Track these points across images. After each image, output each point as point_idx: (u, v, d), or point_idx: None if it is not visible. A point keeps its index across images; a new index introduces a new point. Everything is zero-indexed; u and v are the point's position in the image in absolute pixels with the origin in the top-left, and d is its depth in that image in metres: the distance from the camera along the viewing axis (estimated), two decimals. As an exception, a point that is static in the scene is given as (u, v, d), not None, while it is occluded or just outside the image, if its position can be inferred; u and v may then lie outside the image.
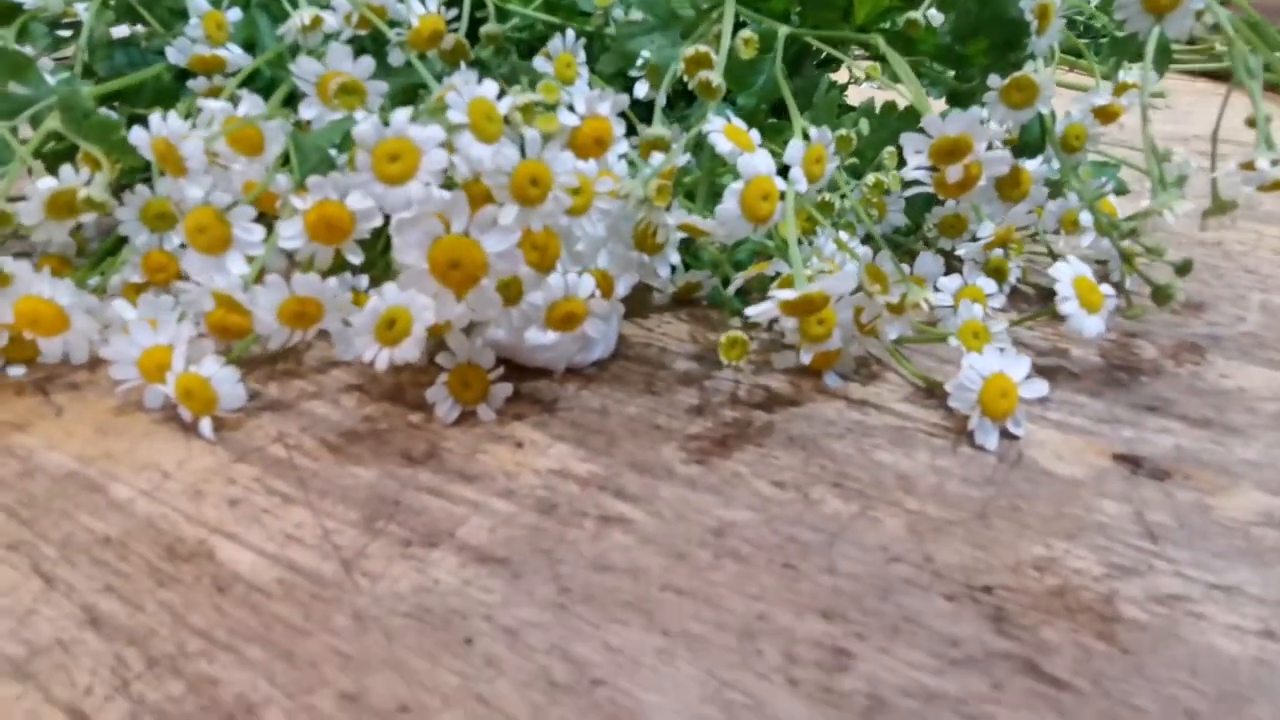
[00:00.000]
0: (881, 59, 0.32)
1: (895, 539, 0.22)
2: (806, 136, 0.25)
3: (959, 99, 0.33)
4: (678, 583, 0.20)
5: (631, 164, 0.27)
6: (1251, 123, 0.27)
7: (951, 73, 0.33)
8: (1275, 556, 0.21)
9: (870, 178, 0.29)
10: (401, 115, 0.21)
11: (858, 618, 0.20)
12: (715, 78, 0.24)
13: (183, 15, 0.33)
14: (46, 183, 0.24)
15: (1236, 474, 0.24)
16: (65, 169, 0.25)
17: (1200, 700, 0.18)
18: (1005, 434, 0.25)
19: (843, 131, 0.27)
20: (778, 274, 0.27)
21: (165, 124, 0.24)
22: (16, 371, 0.27)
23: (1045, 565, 0.21)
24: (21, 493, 0.23)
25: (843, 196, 0.29)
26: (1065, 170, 0.30)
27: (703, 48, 0.25)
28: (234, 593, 0.20)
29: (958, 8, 0.30)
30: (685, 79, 0.26)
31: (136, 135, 0.24)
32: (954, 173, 0.25)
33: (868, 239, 0.29)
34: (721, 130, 0.25)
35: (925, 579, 0.21)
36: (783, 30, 0.30)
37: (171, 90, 0.32)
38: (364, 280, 0.27)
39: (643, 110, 0.32)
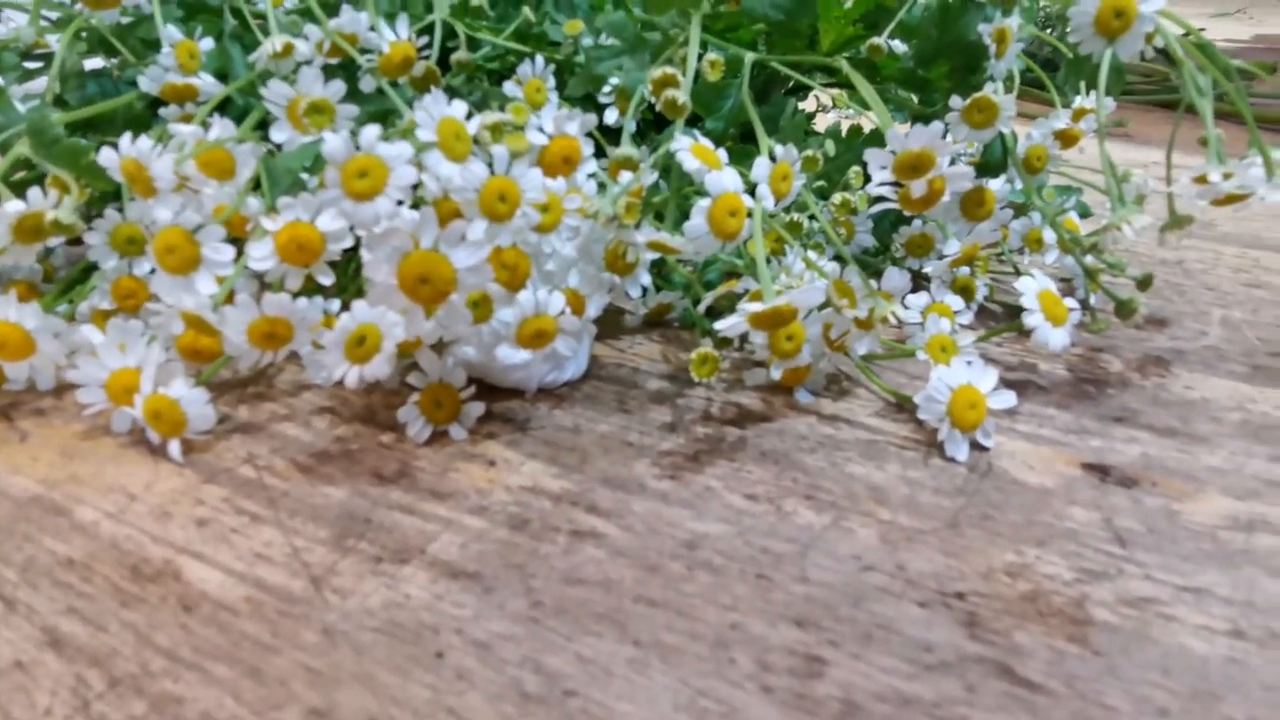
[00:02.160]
0: (846, 86, 0.33)
1: (868, 548, 0.22)
2: (773, 155, 0.26)
3: (923, 122, 0.33)
4: (650, 594, 0.20)
5: (600, 184, 0.27)
6: (1204, 141, 0.28)
7: (915, 97, 0.34)
8: (1243, 558, 0.22)
9: (837, 197, 0.29)
10: (370, 132, 0.21)
11: (831, 625, 0.20)
12: (681, 95, 0.24)
13: (155, 46, 0.34)
14: (14, 205, 0.24)
15: (1202, 480, 0.24)
16: (33, 192, 0.25)
17: (1172, 699, 0.18)
18: (975, 445, 0.26)
19: (809, 152, 0.27)
20: (747, 291, 0.27)
21: (134, 145, 0.24)
22: (-20, 398, 0.27)
23: (1017, 571, 0.21)
24: (-17, 517, 0.22)
25: (811, 218, 0.29)
26: (1028, 188, 0.31)
27: (669, 69, 0.25)
28: (201, 612, 0.20)
29: (919, 34, 0.31)
30: (653, 101, 0.27)
31: (106, 156, 0.24)
32: (918, 187, 0.26)
33: (836, 257, 0.29)
34: (688, 149, 0.25)
35: (898, 587, 0.21)
36: (749, 56, 0.30)
37: (143, 118, 0.32)
38: (335, 304, 0.27)
39: (611, 136, 0.32)
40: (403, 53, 0.29)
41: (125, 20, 0.33)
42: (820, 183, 0.33)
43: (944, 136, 0.25)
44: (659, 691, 0.18)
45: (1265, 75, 0.33)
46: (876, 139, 0.30)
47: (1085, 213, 0.36)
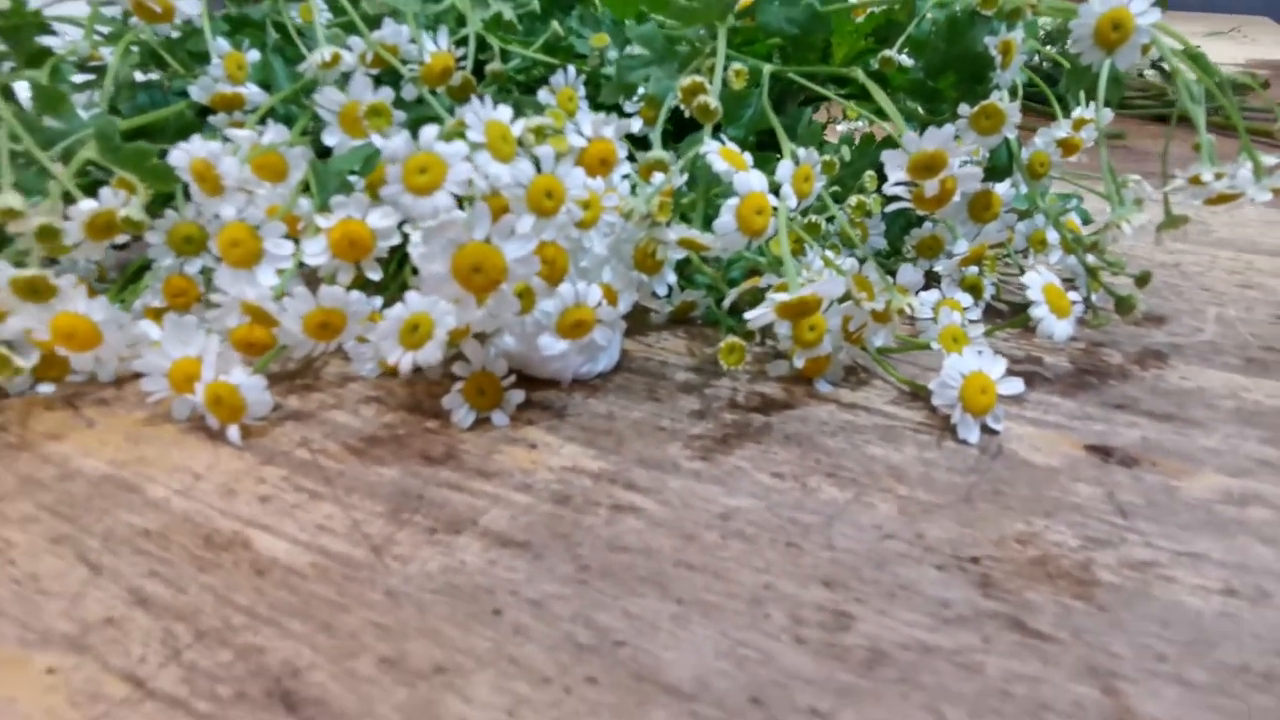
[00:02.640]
0: (858, 96, 0.35)
1: (888, 519, 0.23)
2: (795, 158, 0.28)
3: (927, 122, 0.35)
4: (689, 559, 0.22)
5: (632, 186, 0.29)
6: (1197, 147, 0.30)
7: (921, 108, 0.35)
8: (1236, 528, 0.23)
9: (853, 199, 0.31)
10: (429, 131, 0.23)
11: (857, 586, 0.21)
12: (712, 101, 0.26)
13: (201, 59, 0.35)
14: (88, 204, 0.26)
15: (1199, 460, 0.26)
16: (105, 191, 0.26)
17: (1170, 647, 0.19)
18: (986, 429, 0.27)
19: (828, 156, 0.29)
20: (769, 288, 0.29)
21: (204, 146, 0.26)
22: (46, 389, 0.28)
23: (1027, 539, 0.23)
24: (61, 493, 0.24)
25: (830, 219, 0.31)
26: (1032, 192, 0.32)
27: (698, 78, 0.27)
28: (272, 575, 0.21)
29: (928, 46, 0.33)
30: (682, 108, 0.28)
31: (176, 157, 0.26)
32: (931, 186, 0.27)
33: (854, 255, 0.31)
34: (717, 151, 0.27)
35: (917, 552, 0.22)
36: (767, 68, 0.32)
37: (193, 125, 0.34)
38: (378, 301, 0.28)
39: (636, 144, 0.34)
40: (443, 63, 0.31)
41: (174, 35, 0.35)
42: (835, 188, 0.35)
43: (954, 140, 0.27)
44: (701, 642, 0.19)
45: (1258, 88, 0.35)
46: (890, 144, 0.31)
47: (1086, 219, 0.38)
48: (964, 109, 0.30)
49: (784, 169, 0.27)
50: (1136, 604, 0.21)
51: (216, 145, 0.26)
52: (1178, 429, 0.28)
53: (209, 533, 0.23)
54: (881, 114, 0.30)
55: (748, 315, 0.25)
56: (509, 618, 0.20)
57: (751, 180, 0.26)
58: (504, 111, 0.25)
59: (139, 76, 0.36)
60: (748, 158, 0.27)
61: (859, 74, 0.30)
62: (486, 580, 0.21)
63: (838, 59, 0.37)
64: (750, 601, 0.21)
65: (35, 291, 0.25)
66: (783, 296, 0.25)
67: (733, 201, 0.26)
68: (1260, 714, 0.18)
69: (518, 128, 0.25)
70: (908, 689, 0.18)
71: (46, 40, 0.34)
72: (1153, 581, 0.21)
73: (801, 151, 0.27)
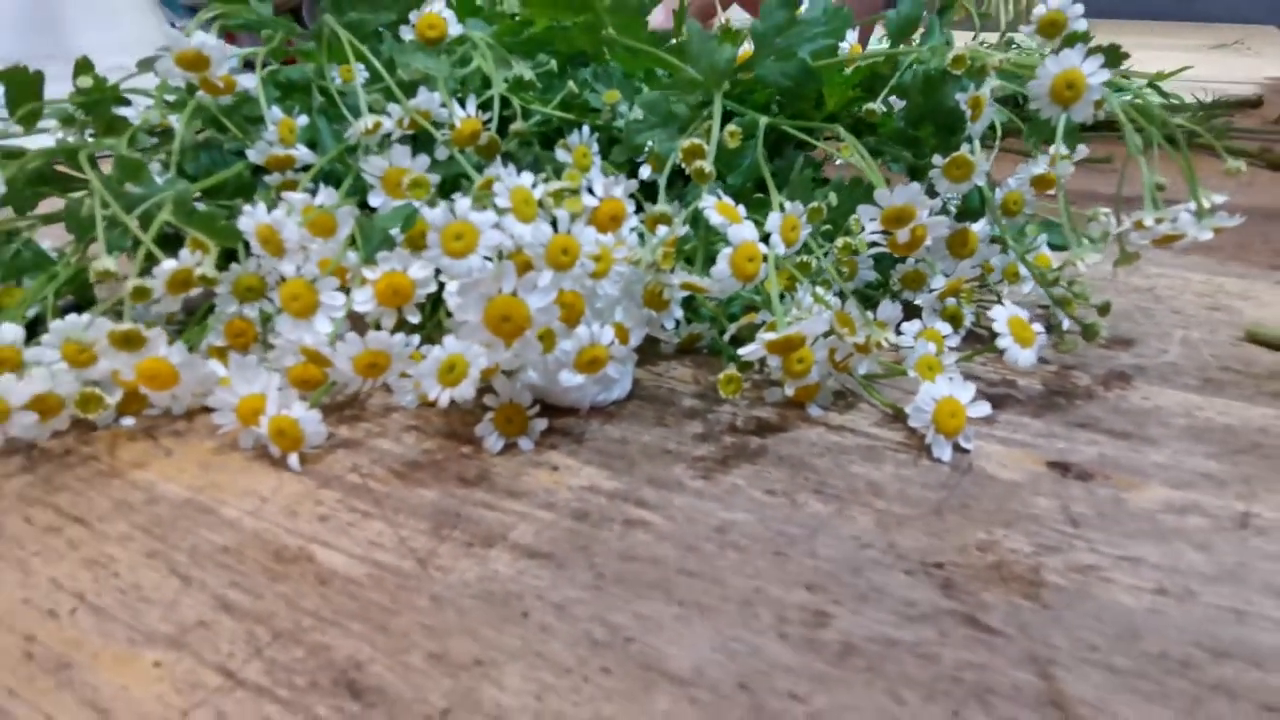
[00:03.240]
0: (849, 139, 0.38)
1: (866, 531, 0.27)
2: (783, 209, 0.31)
3: (917, 173, 0.39)
4: (690, 567, 0.25)
5: (640, 235, 0.33)
6: (1160, 187, 0.33)
7: (908, 152, 0.39)
8: (1174, 535, 0.26)
9: (840, 241, 0.34)
10: (464, 203, 0.27)
11: (835, 589, 0.24)
12: (707, 166, 0.30)
13: (255, 121, 0.40)
14: (169, 264, 0.30)
15: (1147, 474, 0.29)
16: (184, 252, 0.30)
17: (1101, 638, 0.23)
18: (957, 448, 0.30)
19: (815, 204, 0.32)
20: (764, 323, 0.33)
21: (267, 214, 0.30)
22: (128, 422, 0.32)
23: (986, 547, 0.26)
24: (150, 515, 0.28)
25: (822, 256, 0.35)
26: (1004, 230, 0.36)
27: (696, 140, 0.31)
28: (333, 584, 0.25)
29: (908, 99, 0.36)
30: (682, 165, 0.32)
31: (244, 223, 0.30)
32: (902, 235, 0.31)
33: (839, 293, 0.34)
34: (713, 206, 0.30)
35: (889, 559, 0.26)
36: (762, 120, 0.36)
37: (249, 185, 0.38)
38: (415, 339, 0.32)
39: (645, 188, 0.38)
40: (471, 127, 0.35)
41: (230, 101, 0.39)
42: (827, 226, 0.38)
43: (929, 190, 0.31)
44: (699, 638, 0.23)
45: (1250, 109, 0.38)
46: (869, 194, 0.35)
47: (1060, 245, 0.41)
48: (937, 159, 0.33)
49: (773, 220, 0.30)
50: (1076, 603, 0.24)
51: (279, 212, 0.29)
52: (1133, 445, 0.31)
53: (277, 548, 0.26)
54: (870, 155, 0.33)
55: (741, 351, 0.29)
56: (535, 619, 0.24)
57: (744, 231, 0.30)
58: (526, 177, 0.29)
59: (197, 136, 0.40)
60: (741, 210, 0.31)
61: (840, 130, 0.33)
62: (516, 587, 0.25)
63: (829, 107, 0.40)
64: (741, 603, 0.24)
65: (129, 342, 0.29)
66: (771, 336, 0.28)
67: (727, 251, 0.29)
68: (1174, 696, 0.21)
69: (538, 192, 0.29)
70: (873, 676, 0.22)
71: (120, 110, 0.38)
72: (1093, 583, 0.24)
73: (789, 204, 0.31)
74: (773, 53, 0.36)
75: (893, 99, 0.39)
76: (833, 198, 0.35)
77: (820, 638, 0.23)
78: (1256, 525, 0.27)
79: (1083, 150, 0.38)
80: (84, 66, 0.38)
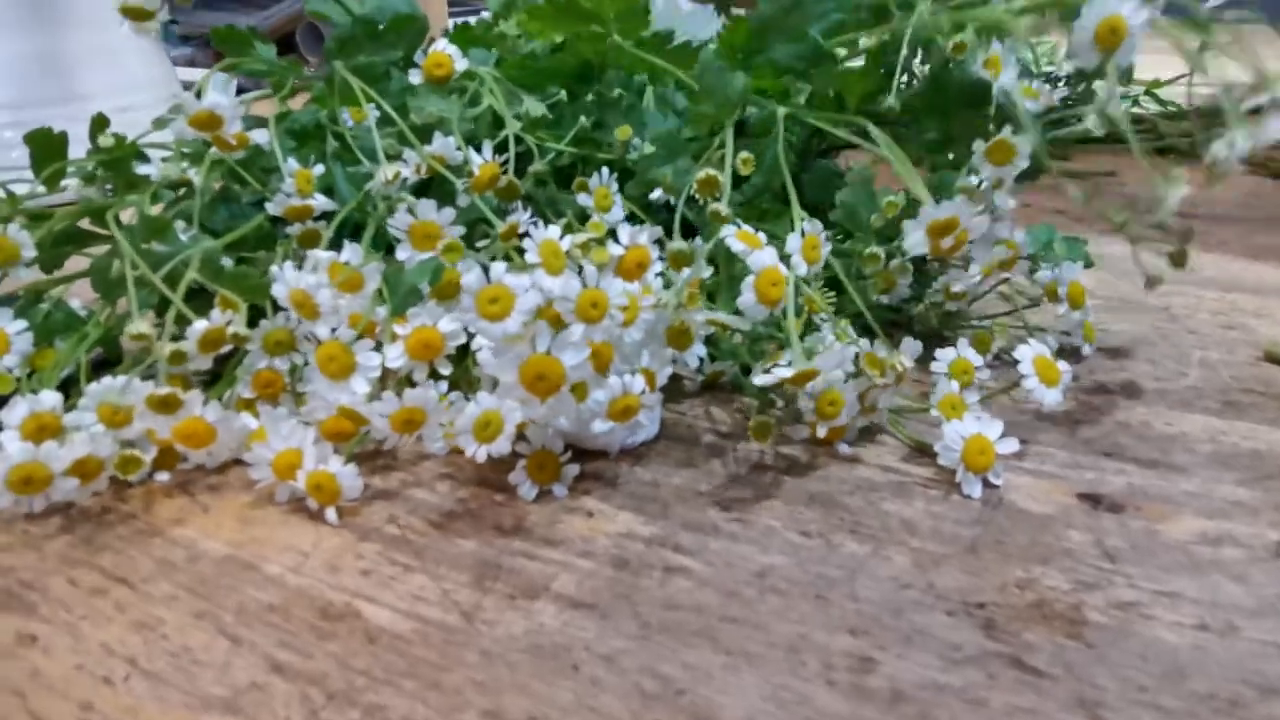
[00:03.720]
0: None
1: (904, 571, 0.27)
2: (802, 231, 0.32)
3: (942, 168, 0.39)
4: (733, 614, 0.26)
5: (663, 275, 0.33)
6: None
7: (932, 147, 0.39)
8: (1210, 567, 0.27)
9: (867, 251, 0.35)
10: (499, 268, 0.27)
11: (878, 632, 0.25)
12: (724, 208, 0.30)
13: (270, 172, 0.40)
14: (201, 324, 0.30)
15: (1179, 503, 0.29)
16: (215, 312, 0.31)
17: (1149, 679, 0.23)
18: (987, 483, 0.31)
19: (871, 249, 0.33)
20: (789, 361, 0.33)
21: (300, 277, 0.30)
22: (163, 478, 0.33)
23: (1025, 584, 0.26)
24: (193, 574, 0.28)
25: (848, 279, 0.35)
26: (1048, 245, 0.36)
27: (711, 170, 0.31)
28: (382, 641, 0.25)
29: (924, 102, 0.37)
30: (696, 196, 0.32)
31: (277, 289, 0.30)
32: (946, 242, 0.31)
33: (867, 330, 0.34)
34: (734, 235, 0.31)
35: (930, 600, 0.26)
36: (781, 110, 0.35)
37: (271, 235, 0.38)
38: (444, 385, 0.32)
39: (662, 210, 0.38)
40: (490, 172, 0.35)
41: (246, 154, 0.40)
42: (840, 237, 0.38)
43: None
44: (749, 688, 0.23)
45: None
46: (867, 189, 0.35)
47: (1089, 263, 0.41)
48: (979, 145, 0.33)
49: (793, 242, 0.31)
50: (1120, 641, 0.24)
51: (312, 278, 0.30)
52: (1160, 474, 0.31)
53: (323, 605, 0.27)
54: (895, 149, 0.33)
55: (757, 380, 0.29)
56: (585, 672, 0.24)
57: (765, 257, 0.30)
58: (554, 230, 0.29)
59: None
60: (762, 236, 0.31)
61: (871, 128, 0.33)
62: (564, 639, 0.25)
63: (851, 106, 0.40)
64: (788, 650, 0.24)
65: (167, 405, 0.29)
66: (787, 372, 0.28)
67: (750, 278, 0.30)
68: (1222, 733, 0.21)
69: (566, 243, 0.29)
70: (924, 722, 0.22)
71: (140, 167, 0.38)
72: (1135, 620, 0.25)
73: (808, 224, 0.31)
74: (783, 34, 0.36)
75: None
76: (876, 219, 0.35)
77: (868, 684, 0.23)
78: (1289, 554, 0.27)
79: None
80: (100, 123, 0.39)
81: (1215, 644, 0.24)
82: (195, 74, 1.00)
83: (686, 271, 0.32)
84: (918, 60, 0.39)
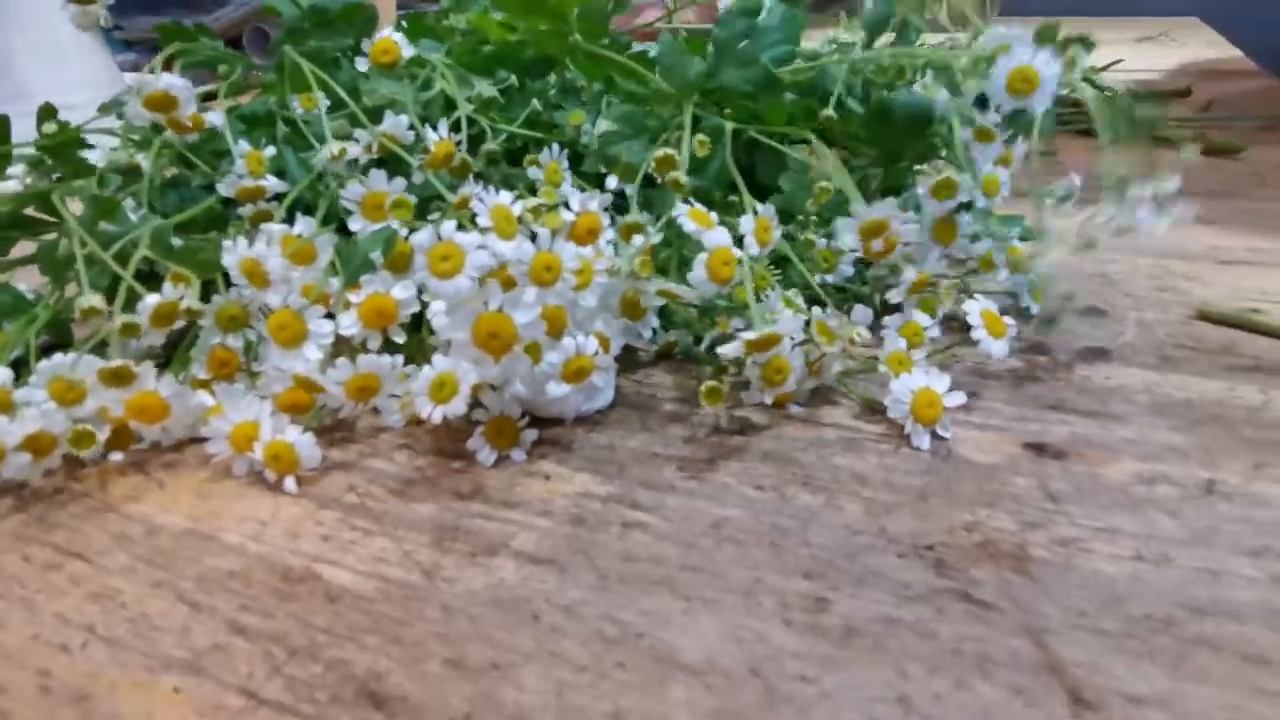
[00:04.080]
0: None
1: (856, 519, 0.28)
2: (754, 211, 0.32)
3: (889, 185, 0.40)
4: (691, 563, 0.26)
5: (614, 246, 0.34)
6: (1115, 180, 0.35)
7: (875, 162, 0.40)
8: (1146, 504, 0.28)
9: (803, 236, 0.36)
10: (449, 225, 0.27)
11: (832, 575, 0.25)
12: (682, 176, 0.31)
13: (220, 156, 0.40)
14: (153, 298, 0.30)
15: (1118, 449, 0.31)
16: (166, 286, 0.31)
17: (1089, 606, 0.24)
18: (936, 436, 0.32)
19: (807, 235, 0.34)
20: (737, 330, 0.33)
21: (250, 247, 0.30)
22: (117, 457, 0.32)
23: (973, 527, 0.27)
24: (151, 547, 0.28)
25: (796, 257, 0.36)
26: (986, 219, 0.37)
27: (669, 150, 0.32)
28: (344, 601, 0.25)
29: (867, 128, 0.38)
30: (655, 174, 0.33)
31: (227, 258, 0.30)
32: (877, 244, 0.32)
33: (814, 300, 0.35)
34: (687, 214, 0.31)
35: (881, 544, 0.27)
36: (729, 126, 0.36)
37: (222, 217, 0.38)
38: (400, 359, 0.32)
39: (616, 197, 0.38)
40: (445, 149, 0.35)
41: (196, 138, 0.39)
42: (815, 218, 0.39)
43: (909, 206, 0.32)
44: (706, 629, 0.24)
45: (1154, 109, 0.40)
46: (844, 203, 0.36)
47: (1028, 236, 0.43)
48: (922, 183, 0.35)
49: (745, 223, 0.32)
50: (1063, 574, 0.25)
51: (261, 246, 0.30)
52: (1101, 423, 0.32)
53: (284, 570, 0.27)
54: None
55: (720, 350, 0.30)
56: (546, 621, 0.24)
57: (718, 237, 0.31)
58: (505, 196, 0.29)
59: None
60: (714, 216, 0.32)
61: (812, 138, 0.35)
62: (524, 592, 0.25)
63: (799, 116, 0.41)
64: (744, 594, 0.25)
65: (119, 378, 0.29)
66: (751, 335, 0.29)
67: (703, 256, 0.30)
68: (1160, 653, 0.22)
69: (517, 209, 0.29)
70: (877, 655, 0.23)
71: (84, 153, 0.38)
72: (1076, 554, 0.26)
73: (760, 207, 0.32)
74: (734, 60, 0.37)
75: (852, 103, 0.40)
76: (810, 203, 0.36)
77: (823, 622, 0.24)
78: (1221, 491, 0.28)
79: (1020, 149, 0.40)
80: (48, 112, 0.38)
81: (1151, 573, 0.25)
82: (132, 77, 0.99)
83: (639, 239, 0.32)
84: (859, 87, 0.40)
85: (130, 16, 1.36)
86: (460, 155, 0.37)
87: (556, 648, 0.23)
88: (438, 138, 0.36)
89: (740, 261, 0.31)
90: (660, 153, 0.32)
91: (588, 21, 0.38)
